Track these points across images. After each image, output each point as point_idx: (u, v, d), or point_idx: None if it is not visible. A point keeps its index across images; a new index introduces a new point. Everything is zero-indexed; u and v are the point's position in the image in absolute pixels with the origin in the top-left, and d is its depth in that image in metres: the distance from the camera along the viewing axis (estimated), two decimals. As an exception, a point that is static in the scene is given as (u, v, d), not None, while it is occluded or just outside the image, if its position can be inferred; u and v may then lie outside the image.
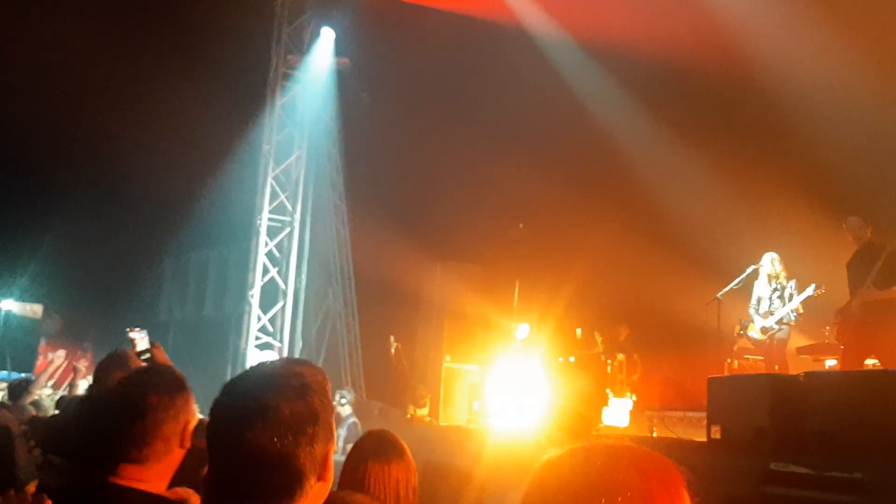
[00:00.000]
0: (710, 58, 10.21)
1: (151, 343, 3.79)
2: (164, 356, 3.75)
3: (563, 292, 11.86)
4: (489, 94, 12.43)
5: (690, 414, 8.62)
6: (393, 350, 12.08)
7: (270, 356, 12.29)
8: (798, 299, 8.20)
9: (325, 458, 1.50)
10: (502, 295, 12.10)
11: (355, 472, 2.72)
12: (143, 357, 3.75)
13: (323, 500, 1.51)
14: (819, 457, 5.04)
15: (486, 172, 12.27)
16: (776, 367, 8.27)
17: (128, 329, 3.76)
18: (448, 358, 12.20)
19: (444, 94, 12.89)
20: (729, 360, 8.82)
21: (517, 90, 12.26)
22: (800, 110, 10.06)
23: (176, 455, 2.01)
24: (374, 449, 2.81)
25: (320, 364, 13.72)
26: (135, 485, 1.90)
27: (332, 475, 1.53)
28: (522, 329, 11.08)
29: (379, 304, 13.48)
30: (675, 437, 7.84)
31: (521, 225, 12.49)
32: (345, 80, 13.62)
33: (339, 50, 13.41)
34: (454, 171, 12.40)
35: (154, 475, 1.95)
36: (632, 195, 11.96)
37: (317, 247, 13.83)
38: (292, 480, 1.44)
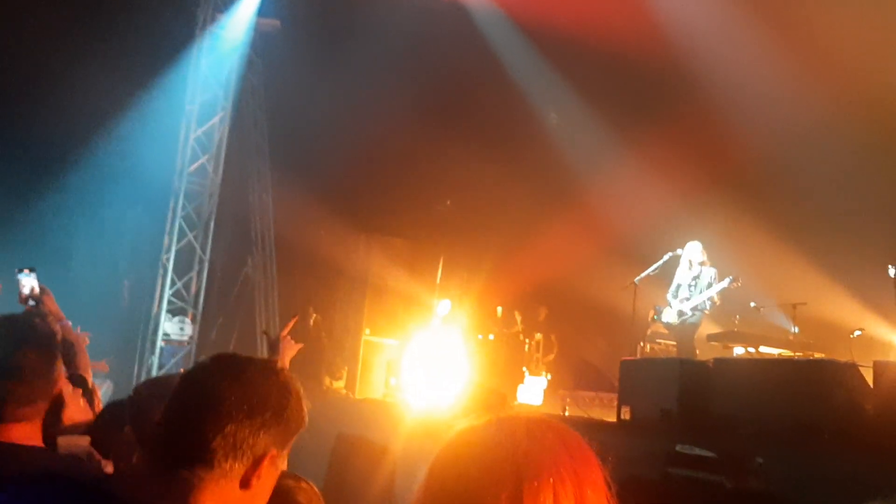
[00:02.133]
0: (640, 45, 10.35)
1: (41, 288, 3.54)
2: (53, 304, 3.53)
3: (486, 270, 11.95)
4: (420, 69, 12.29)
5: (602, 394, 8.82)
6: (311, 321, 11.93)
7: (183, 322, 11.97)
8: (715, 289, 8.28)
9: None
10: (425, 271, 12.09)
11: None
12: (30, 303, 3.51)
13: None
14: (723, 441, 5.21)
15: (416, 147, 12.18)
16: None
17: (17, 270, 3.50)
18: (368, 331, 12.12)
19: (375, 67, 12.68)
20: (642, 344, 9.06)
21: (448, 66, 12.18)
22: (724, 101, 10.32)
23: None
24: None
25: (235, 333, 13.50)
26: (23, 441, 1.93)
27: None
28: (444, 305, 11.10)
29: (299, 274, 13.26)
30: (586, 416, 8.00)
31: (448, 202, 12.48)
32: (276, 42, 13.24)
33: (270, 12, 13.01)
34: (383, 145, 12.26)
35: (38, 430, 2.00)
36: (558, 179, 12.10)
37: (237, 213, 13.47)
38: None
